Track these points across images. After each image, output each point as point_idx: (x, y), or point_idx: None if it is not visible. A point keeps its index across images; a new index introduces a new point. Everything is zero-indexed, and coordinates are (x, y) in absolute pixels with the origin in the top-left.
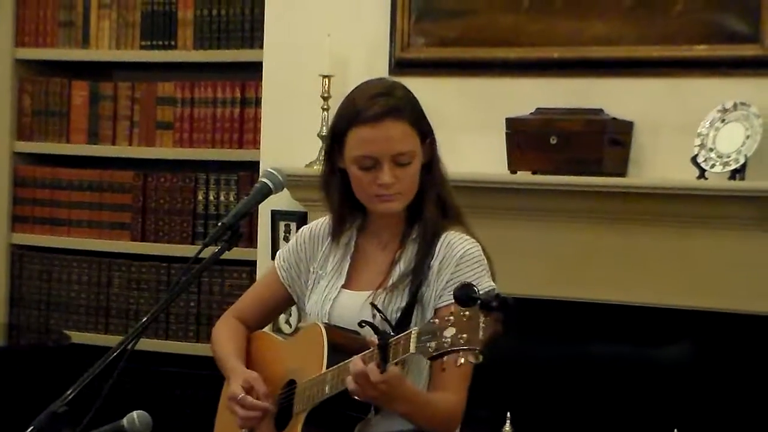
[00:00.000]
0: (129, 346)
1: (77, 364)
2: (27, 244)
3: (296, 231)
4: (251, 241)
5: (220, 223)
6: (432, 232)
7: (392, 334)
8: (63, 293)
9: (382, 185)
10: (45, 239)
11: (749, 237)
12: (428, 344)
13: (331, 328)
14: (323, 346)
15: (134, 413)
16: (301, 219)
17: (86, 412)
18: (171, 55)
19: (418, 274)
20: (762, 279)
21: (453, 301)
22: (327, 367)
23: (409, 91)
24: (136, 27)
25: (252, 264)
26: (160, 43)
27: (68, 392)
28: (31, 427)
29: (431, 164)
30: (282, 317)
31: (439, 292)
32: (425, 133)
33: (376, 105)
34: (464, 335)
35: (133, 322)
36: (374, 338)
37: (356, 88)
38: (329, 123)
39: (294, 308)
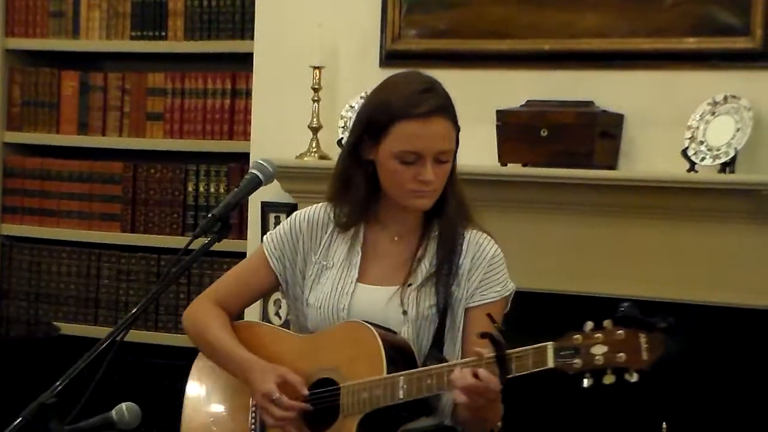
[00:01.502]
0: (118, 338)
1: (66, 356)
2: (16, 235)
3: None
4: (241, 233)
5: (210, 215)
6: (455, 229)
7: (508, 345)
8: (52, 284)
9: (422, 181)
10: (34, 230)
11: (739, 230)
12: (573, 360)
13: (378, 328)
14: (379, 348)
15: (123, 405)
16: (291, 211)
17: (75, 404)
18: (161, 46)
19: (447, 273)
20: (752, 272)
21: (485, 301)
22: (387, 372)
23: (445, 89)
24: (127, 17)
25: (242, 256)
26: (151, 33)
27: (57, 383)
28: (20, 419)
29: (454, 162)
30: (272, 309)
31: (471, 291)
32: (458, 132)
33: (426, 101)
34: (622, 354)
35: (123, 313)
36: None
37: (391, 81)
38: (318, 114)
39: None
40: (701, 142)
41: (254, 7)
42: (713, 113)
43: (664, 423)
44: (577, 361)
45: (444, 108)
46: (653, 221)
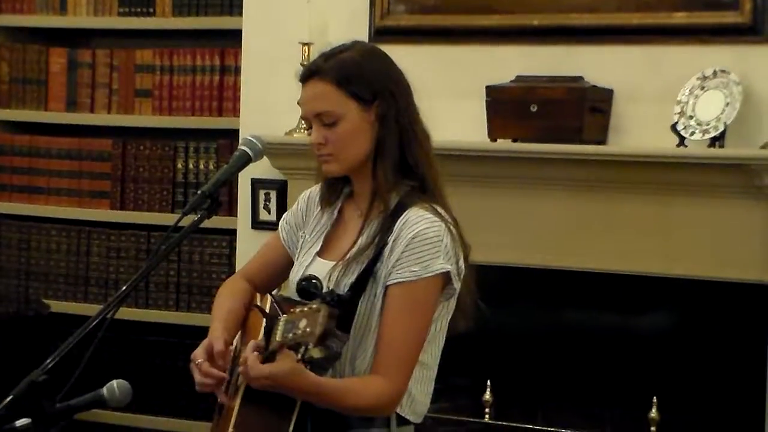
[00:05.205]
0: (108, 315)
1: (57, 333)
2: (5, 213)
3: (276, 199)
4: (231, 210)
5: (199, 192)
6: (389, 205)
7: (279, 318)
8: (42, 262)
9: (312, 145)
10: (23, 208)
11: (728, 204)
12: (288, 334)
13: (280, 300)
14: (262, 320)
15: (114, 382)
16: (281, 187)
17: (66, 382)
18: (150, 22)
19: (374, 250)
20: (741, 246)
21: (399, 280)
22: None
23: (363, 52)
24: None
25: (232, 233)
26: (139, 9)
27: (48, 361)
28: (11, 397)
29: (384, 130)
30: None
31: (389, 269)
32: (360, 96)
33: (307, 67)
34: (308, 328)
35: (113, 290)
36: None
37: None
38: None
39: None
40: (690, 117)
41: None
42: (702, 88)
43: (654, 397)
44: (289, 336)
45: (318, 69)
46: (643, 196)
